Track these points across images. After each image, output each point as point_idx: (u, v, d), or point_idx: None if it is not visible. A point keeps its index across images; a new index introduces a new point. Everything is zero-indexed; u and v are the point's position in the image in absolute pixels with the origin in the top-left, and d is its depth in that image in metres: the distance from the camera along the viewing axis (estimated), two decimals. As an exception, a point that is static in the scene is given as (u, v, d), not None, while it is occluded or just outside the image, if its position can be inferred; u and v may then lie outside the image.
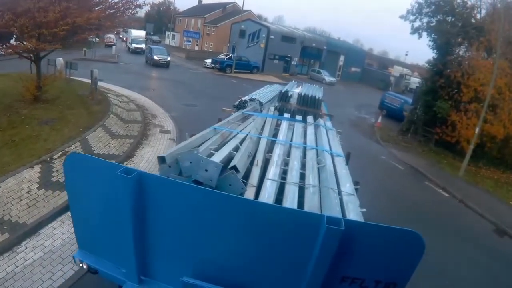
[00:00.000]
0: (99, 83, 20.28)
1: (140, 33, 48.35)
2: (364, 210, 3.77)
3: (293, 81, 12.91)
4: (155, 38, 61.51)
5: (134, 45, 43.12)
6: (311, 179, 4.24)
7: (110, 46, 40.50)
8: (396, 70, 53.76)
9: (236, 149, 4.64)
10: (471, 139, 16.34)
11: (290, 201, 3.61)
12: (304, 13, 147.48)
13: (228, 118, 6.55)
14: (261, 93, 9.31)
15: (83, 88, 16.81)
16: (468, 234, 10.12)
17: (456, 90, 17.78)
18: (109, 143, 11.12)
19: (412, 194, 12.45)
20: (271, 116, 7.24)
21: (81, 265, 3.68)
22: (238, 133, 5.51)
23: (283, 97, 8.52)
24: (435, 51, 19.52)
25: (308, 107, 8.21)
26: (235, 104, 8.08)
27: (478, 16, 18.99)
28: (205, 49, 55.18)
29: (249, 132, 5.53)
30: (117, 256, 3.46)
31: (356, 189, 4.40)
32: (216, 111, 16.18)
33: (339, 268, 2.76)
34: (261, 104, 7.91)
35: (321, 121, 7.42)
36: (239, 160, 4.12)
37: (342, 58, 51.10)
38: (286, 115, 7.58)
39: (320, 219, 2.61)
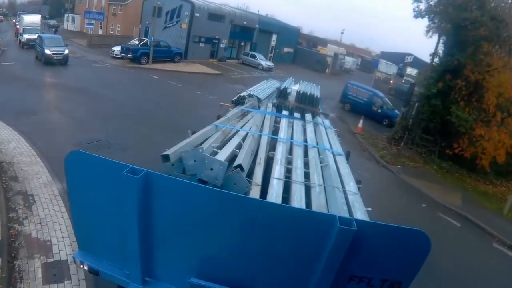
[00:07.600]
0: None
1: (33, 19, 35.74)
2: (370, 209, 3.72)
3: (291, 78, 12.30)
4: (53, 22, 50.90)
5: (26, 37, 30.32)
6: (315, 178, 4.17)
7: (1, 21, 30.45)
8: (330, 50, 50.43)
9: (239, 147, 4.55)
10: (498, 157, 12.92)
11: (297, 200, 3.55)
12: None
13: (227, 115, 6.40)
14: (258, 89, 9.13)
15: None
16: None
17: (474, 95, 13.88)
18: None
19: (495, 273, 9.39)
20: (270, 114, 7.09)
21: (81, 266, 3.50)
22: (239, 130, 5.39)
23: (282, 94, 8.43)
24: (445, 42, 15.28)
25: (306, 105, 8.11)
26: (233, 99, 7.84)
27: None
28: (111, 33, 45.36)
29: (249, 129, 5.43)
30: (121, 257, 3.29)
31: (359, 188, 4.37)
32: (144, 149, 10.27)
33: (348, 267, 2.71)
34: (259, 100, 7.69)
35: (319, 119, 7.36)
36: (243, 159, 4.01)
37: (274, 37, 45.57)
38: (284, 112, 7.46)
39: (333, 220, 2.56)
